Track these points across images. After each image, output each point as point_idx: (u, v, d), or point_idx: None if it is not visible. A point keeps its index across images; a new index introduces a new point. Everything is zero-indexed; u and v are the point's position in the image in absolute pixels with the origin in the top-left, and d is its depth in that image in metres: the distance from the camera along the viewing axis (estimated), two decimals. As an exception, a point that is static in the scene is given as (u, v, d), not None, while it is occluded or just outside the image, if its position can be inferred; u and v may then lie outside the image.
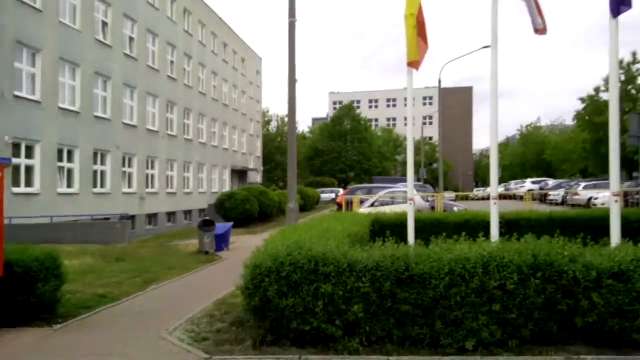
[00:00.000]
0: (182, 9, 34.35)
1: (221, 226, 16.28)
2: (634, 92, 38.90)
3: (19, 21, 19.32)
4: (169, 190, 31.93)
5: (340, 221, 9.73)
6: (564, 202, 31.82)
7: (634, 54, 39.53)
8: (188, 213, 34.31)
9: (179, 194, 33.09)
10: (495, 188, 9.14)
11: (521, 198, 29.57)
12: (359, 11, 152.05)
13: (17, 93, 19.25)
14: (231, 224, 17.56)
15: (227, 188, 40.98)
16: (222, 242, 15.96)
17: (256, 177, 51.99)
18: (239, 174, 46.53)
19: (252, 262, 5.87)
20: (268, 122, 68.32)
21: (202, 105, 37.47)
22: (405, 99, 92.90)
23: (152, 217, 29.56)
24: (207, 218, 16.22)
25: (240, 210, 27.72)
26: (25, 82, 19.94)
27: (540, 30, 8.87)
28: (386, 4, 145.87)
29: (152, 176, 30.00)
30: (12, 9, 18.98)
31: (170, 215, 31.97)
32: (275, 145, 63.63)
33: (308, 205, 37.47)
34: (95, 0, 24.41)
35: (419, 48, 9.79)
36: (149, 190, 29.35)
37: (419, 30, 9.81)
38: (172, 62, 32.78)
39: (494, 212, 8.84)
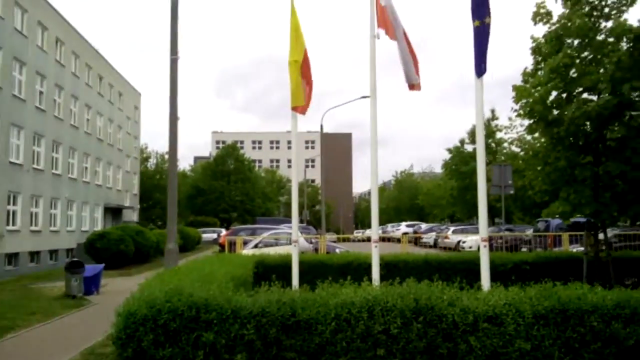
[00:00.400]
0: (54, 38, 32.42)
1: (91, 267, 15.12)
2: (493, 145, 42.77)
3: None
4: (33, 228, 29.23)
5: (223, 263, 9.41)
6: (435, 245, 33.70)
7: (493, 111, 43.77)
8: (54, 253, 31.58)
9: (44, 232, 30.41)
10: (375, 231, 9.38)
11: (398, 240, 30.83)
12: (243, 53, 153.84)
13: None
14: (102, 265, 16.40)
15: (99, 226, 38.44)
16: (91, 285, 14.80)
17: (132, 216, 49.45)
18: (113, 212, 43.97)
19: (125, 308, 5.41)
20: (146, 159, 65.81)
21: (73, 139, 35.16)
22: (289, 142, 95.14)
23: (12, 257, 26.78)
24: (75, 259, 15.00)
25: (113, 250, 26.08)
26: None
27: (415, 86, 9.43)
28: (270, 49, 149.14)
29: (14, 212, 27.36)
30: None
31: (34, 255, 29.19)
32: (154, 183, 61.27)
33: (188, 245, 36.23)
34: None
35: (304, 93, 10.01)
36: (10, 227, 26.67)
37: (304, 75, 10.04)
38: (40, 93, 30.59)
39: (375, 255, 9.03)
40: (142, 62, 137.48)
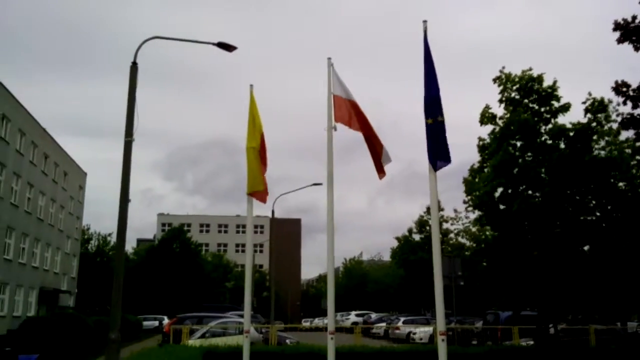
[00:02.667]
0: (0, 115, 31.80)
1: (24, 358, 13.98)
2: (440, 235, 43.72)
3: None
4: (-42, 314, 27.16)
5: (170, 356, 8.90)
6: (386, 335, 33.15)
7: (439, 202, 45.12)
8: (-19, 341, 29.17)
9: (-31, 319, 28.26)
10: (332, 321, 9.18)
11: (347, 330, 30.21)
12: (192, 136, 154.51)
13: None
14: (36, 355, 15.20)
15: (32, 311, 36.05)
16: (21, 378, 13.60)
17: (68, 300, 46.74)
18: (49, 296, 41.44)
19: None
20: (88, 240, 63.34)
21: (11, 218, 33.66)
22: (237, 225, 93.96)
23: None
24: (8, 348, 13.87)
25: (48, 338, 24.27)
26: None
27: (383, 172, 9.68)
28: (219, 133, 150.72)
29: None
30: None
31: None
32: (93, 266, 58.61)
33: (129, 333, 34.22)
34: None
35: (263, 179, 10.10)
36: None
37: (262, 161, 10.18)
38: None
39: (331, 347, 8.79)
40: (88, 141, 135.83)
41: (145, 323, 44.13)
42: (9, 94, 32.99)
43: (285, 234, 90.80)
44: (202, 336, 18.60)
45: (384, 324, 35.98)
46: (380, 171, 9.61)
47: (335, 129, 9.79)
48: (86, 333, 28.05)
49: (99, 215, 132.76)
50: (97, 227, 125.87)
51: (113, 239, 63.61)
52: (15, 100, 34.04)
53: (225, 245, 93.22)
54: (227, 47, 14.29)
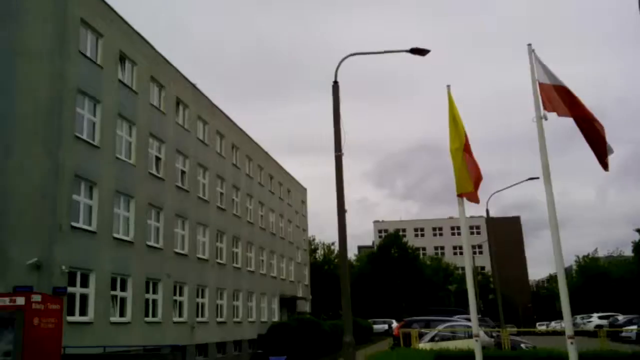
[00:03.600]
0: (230, 144, 35.96)
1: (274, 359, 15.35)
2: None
3: (78, 156, 20.28)
4: (219, 319, 31.37)
5: (403, 359, 8.93)
6: (639, 340, 29.17)
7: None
8: (238, 344, 33.28)
9: (228, 323, 32.45)
10: (569, 324, 8.31)
11: (590, 334, 27.34)
12: (397, 143, 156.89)
13: (73, 224, 19.77)
14: (284, 357, 16.61)
15: (276, 317, 40.11)
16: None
17: (305, 306, 50.73)
18: (288, 303, 45.56)
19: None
20: (314, 250, 68.09)
21: (249, 234, 37.84)
22: (452, 228, 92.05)
23: (202, 348, 28.71)
24: (259, 351, 15.38)
25: (292, 341, 26.56)
26: (82, 214, 20.55)
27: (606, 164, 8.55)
28: (424, 136, 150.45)
29: (202, 305, 29.65)
30: (71, 146, 20.05)
31: (220, 346, 31.03)
32: (322, 273, 62.72)
33: (361, 336, 35.71)
34: (149, 138, 25.76)
35: (471, 180, 9.68)
36: (199, 319, 28.88)
37: (468, 161, 9.77)
38: (221, 194, 33.70)
39: (573, 353, 7.94)
40: (304, 159, 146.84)
41: (375, 326, 45.60)
42: (233, 124, 37.13)
43: (505, 233, 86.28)
44: (432, 339, 18.46)
45: (635, 327, 31.76)
46: (604, 161, 8.46)
47: (546, 119, 8.95)
48: (322, 336, 29.89)
49: (321, 226, 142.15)
50: (321, 237, 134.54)
51: (336, 248, 67.44)
52: (240, 129, 38.25)
53: (442, 248, 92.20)
54: (421, 52, 14.21)
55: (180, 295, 27.45)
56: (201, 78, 46.27)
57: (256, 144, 41.57)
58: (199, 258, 29.62)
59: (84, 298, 20.01)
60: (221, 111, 34.93)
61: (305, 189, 55.92)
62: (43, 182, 18.88)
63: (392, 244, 68.18)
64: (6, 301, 6.30)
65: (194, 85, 31.02)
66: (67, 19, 20.19)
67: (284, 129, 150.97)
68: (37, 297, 6.43)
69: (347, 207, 15.34)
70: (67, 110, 19.81)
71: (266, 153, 43.90)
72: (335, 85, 15.24)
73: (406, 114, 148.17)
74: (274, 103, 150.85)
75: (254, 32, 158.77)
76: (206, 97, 32.69)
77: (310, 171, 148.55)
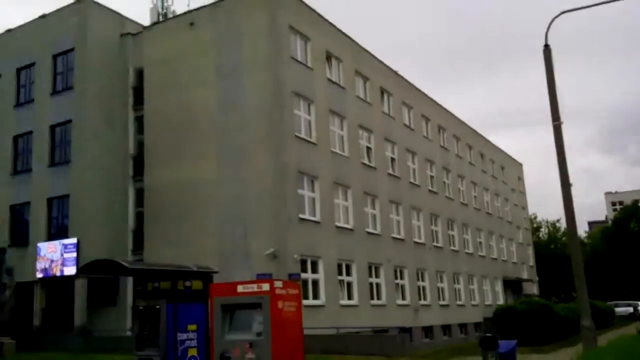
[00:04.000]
0: (437, 126, 35.49)
1: (504, 344, 14.80)
2: None
3: (299, 154, 22.07)
4: (441, 302, 31.51)
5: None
6: None
7: None
8: (463, 326, 33.05)
9: (451, 306, 32.40)
10: None
11: None
12: (621, 103, 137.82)
13: (301, 216, 21.56)
14: (515, 341, 15.92)
15: (500, 300, 38.78)
16: (508, 362, 14.37)
17: (532, 289, 48.08)
18: (512, 285, 43.62)
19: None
20: (537, 229, 63.88)
21: (464, 216, 37.04)
22: None
23: (427, 330, 29.18)
24: (489, 334, 14.98)
25: (521, 325, 25.30)
26: (307, 206, 22.29)
27: None
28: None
29: (423, 288, 30.03)
30: (293, 145, 21.87)
31: (445, 328, 31.16)
32: (548, 253, 58.55)
33: (600, 321, 32.58)
34: (359, 130, 26.72)
35: None
36: (422, 302, 29.34)
37: None
38: (431, 177, 33.55)
39: None
40: (516, 133, 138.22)
41: (618, 309, 41.06)
42: (438, 105, 36.57)
43: None
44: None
45: None
46: None
47: None
48: (555, 320, 27.91)
49: (542, 203, 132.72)
50: (544, 215, 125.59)
51: (562, 225, 62.34)
52: (445, 110, 37.55)
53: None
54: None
55: (401, 278, 28.13)
56: (402, 63, 46.65)
57: (463, 122, 40.45)
58: (415, 242, 29.98)
59: (315, 283, 21.72)
60: (425, 94, 34.75)
61: (520, 165, 52.79)
62: (273, 181, 20.95)
63: (630, 217, 60.59)
64: (254, 287, 7.13)
65: (396, 73, 31.38)
66: (278, 29, 22.08)
67: (492, 104, 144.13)
68: (279, 284, 7.17)
69: (571, 179, 14.12)
70: (287, 113, 21.70)
71: (474, 131, 42.46)
72: (547, 49, 14.14)
73: (633, 68, 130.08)
74: (480, 79, 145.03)
75: (451, 10, 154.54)
76: (409, 83, 32.84)
77: (525, 145, 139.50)
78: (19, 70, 27.23)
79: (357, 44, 27.64)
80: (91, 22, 25.23)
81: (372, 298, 25.16)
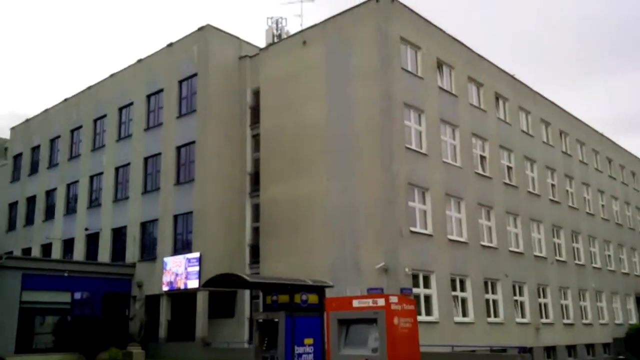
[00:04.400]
0: (558, 131, 33.51)
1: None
2: None
3: (410, 166, 21.82)
4: (565, 321, 29.40)
5: None
6: None
7: None
8: (590, 347, 30.66)
9: (577, 325, 30.11)
10: None
11: None
12: None
13: (412, 228, 21.27)
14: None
15: (633, 319, 35.55)
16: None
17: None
18: (645, 303, 39.82)
19: None
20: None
21: (590, 227, 34.46)
22: None
23: (549, 350, 27.42)
24: (621, 357, 13.86)
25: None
26: (418, 218, 21.94)
27: None
28: None
29: (545, 305, 28.30)
30: (403, 156, 21.67)
31: (570, 349, 29.10)
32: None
33: None
34: (472, 138, 25.93)
35: None
36: (543, 320, 27.62)
37: None
38: (552, 185, 31.65)
39: None
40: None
41: None
42: (559, 109, 34.49)
43: None
44: None
45: None
46: None
47: None
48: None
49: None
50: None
51: None
52: (566, 113, 35.30)
53: None
54: None
55: (520, 295, 26.71)
56: (518, 66, 44.61)
57: (588, 126, 37.81)
58: (535, 256, 28.37)
59: (427, 299, 21.28)
60: (544, 97, 32.99)
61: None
62: (383, 193, 20.90)
63: None
64: (370, 302, 7.14)
65: (512, 77, 30.18)
66: (388, 40, 22.17)
67: (623, 104, 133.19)
68: (394, 299, 7.12)
69: None
70: (396, 124, 21.64)
71: (601, 135, 39.51)
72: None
73: None
74: (608, 75, 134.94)
75: (571, 8, 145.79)
76: (526, 86, 31.39)
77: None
78: (148, 97, 29.66)
79: (469, 49, 26.97)
80: (212, 47, 26.85)
81: (488, 315, 24.13)
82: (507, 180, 27.79)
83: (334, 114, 23.02)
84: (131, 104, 30.48)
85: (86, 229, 31.17)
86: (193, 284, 24.38)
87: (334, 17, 24.07)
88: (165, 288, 25.81)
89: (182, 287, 24.96)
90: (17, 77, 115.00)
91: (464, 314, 22.95)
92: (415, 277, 20.94)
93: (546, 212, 30.13)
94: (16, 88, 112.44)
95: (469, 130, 25.73)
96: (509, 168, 28.36)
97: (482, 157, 26.62)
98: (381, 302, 7.09)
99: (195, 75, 27.09)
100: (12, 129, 40.76)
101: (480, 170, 26.10)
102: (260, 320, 8.14)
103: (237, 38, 28.06)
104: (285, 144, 24.55)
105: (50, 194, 35.35)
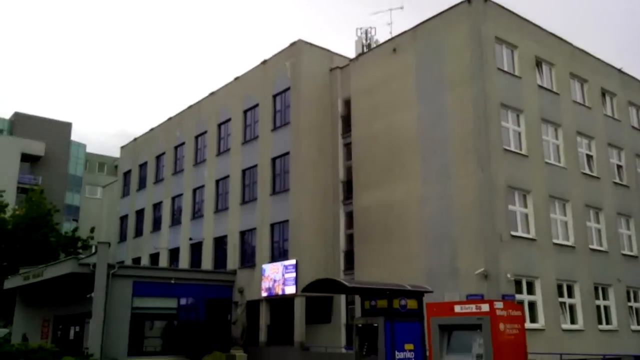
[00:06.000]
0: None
1: None
2: None
3: (509, 168, 21.01)
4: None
5: None
6: None
7: None
8: None
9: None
10: None
11: None
12: None
13: (513, 233, 20.43)
14: None
15: None
16: None
17: None
18: None
19: None
20: None
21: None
22: None
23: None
24: None
25: None
26: (520, 222, 21.05)
27: None
28: None
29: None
30: (501, 159, 20.90)
31: None
32: None
33: None
34: (577, 137, 24.57)
35: None
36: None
37: None
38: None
39: None
40: None
41: None
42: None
43: None
44: None
45: None
46: None
47: None
48: None
49: None
50: None
51: None
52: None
53: None
54: None
55: (636, 301, 24.87)
56: (624, 59, 41.70)
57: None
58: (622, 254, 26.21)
59: (532, 305, 20.33)
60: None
61: None
62: (480, 196, 20.30)
63: None
64: (473, 308, 6.94)
65: (619, 70, 28.27)
66: (482, 41, 21.57)
67: None
68: (499, 304, 6.87)
69: None
70: (493, 126, 20.97)
71: None
72: None
73: None
74: None
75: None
76: (635, 79, 29.25)
77: None
78: (245, 112, 30.83)
79: (570, 44, 25.61)
80: (304, 61, 27.46)
81: (600, 322, 22.67)
82: (617, 180, 26.04)
83: (426, 118, 22.73)
84: (229, 119, 31.82)
85: (190, 239, 32.80)
86: (290, 289, 24.91)
87: (424, 22, 23.82)
88: (264, 294, 26.55)
89: (280, 292, 25.57)
90: (128, 98, 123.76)
91: (572, 321, 21.70)
92: (518, 283, 20.08)
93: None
94: (126, 108, 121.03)
95: (574, 128, 24.44)
96: (619, 167, 26.58)
97: (589, 157, 25.16)
98: (485, 307, 6.87)
99: (288, 89, 27.80)
100: (122, 147, 43.89)
101: (587, 170, 24.65)
102: (360, 325, 8.14)
103: (328, 50, 28.51)
104: (378, 151, 24.53)
105: (157, 206, 37.61)
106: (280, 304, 26.73)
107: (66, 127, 59.73)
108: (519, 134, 22.12)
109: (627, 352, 21.20)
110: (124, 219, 41.70)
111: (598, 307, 22.89)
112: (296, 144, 26.78)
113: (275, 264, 26.38)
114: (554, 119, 23.60)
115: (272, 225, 27.51)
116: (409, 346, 7.97)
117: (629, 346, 22.47)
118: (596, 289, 22.99)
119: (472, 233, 20.33)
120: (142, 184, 39.91)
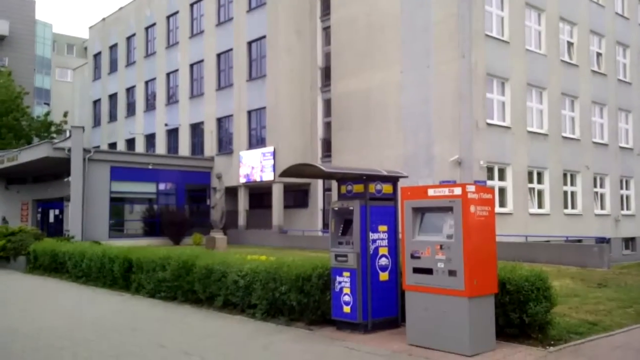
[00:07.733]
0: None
1: None
2: None
3: (489, 55, 20.69)
4: (646, 213, 28.44)
5: None
6: None
7: None
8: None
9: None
10: None
11: None
12: None
13: (488, 121, 20.60)
14: None
15: None
16: None
17: None
18: None
19: None
20: None
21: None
22: None
23: (628, 242, 26.87)
24: None
25: None
26: (496, 110, 21.16)
27: None
28: None
29: (627, 197, 27.37)
30: (482, 45, 20.51)
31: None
32: None
33: None
34: (559, 23, 24.06)
35: None
36: (624, 212, 26.85)
37: None
38: (644, 74, 29.29)
39: None
40: None
41: None
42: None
43: None
44: None
45: None
46: None
47: None
48: None
49: None
50: None
51: None
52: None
53: None
54: None
55: (602, 187, 25.90)
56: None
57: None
58: (621, 147, 27.03)
59: (502, 191, 21.01)
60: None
61: None
62: (459, 84, 20.18)
63: None
64: (446, 191, 7.09)
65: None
66: None
67: None
68: (471, 188, 7.03)
69: None
70: (476, 9, 20.34)
71: None
72: None
73: None
74: None
75: None
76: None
77: None
78: (218, -9, 29.27)
79: None
80: None
81: (565, 207, 23.70)
82: (595, 68, 25.99)
83: (410, 1, 21.86)
84: (201, -2, 30.25)
85: (166, 125, 32.47)
86: (268, 176, 25.25)
87: None
88: (242, 180, 26.90)
89: (258, 179, 25.92)
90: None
91: (540, 206, 22.63)
92: (490, 170, 20.61)
93: (637, 101, 28.18)
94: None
95: (557, 14, 23.87)
96: (599, 54, 26.39)
97: (570, 44, 24.88)
98: (458, 191, 7.00)
99: (264, -34, 26.26)
100: (90, 28, 41.84)
101: (566, 58, 24.49)
102: (336, 209, 8.30)
103: None
104: (357, 37, 23.81)
105: (130, 91, 36.72)
106: (258, 190, 27.18)
107: (30, 4, 56.34)
108: (502, 19, 21.56)
109: (589, 234, 22.37)
110: (97, 103, 40.82)
111: (565, 192, 23.81)
112: (273, 27, 25.79)
113: (253, 150, 26.47)
114: (538, 3, 22.94)
115: (249, 112, 27.25)
116: (382, 227, 8.21)
117: (591, 229, 23.70)
118: (565, 175, 23.78)
119: (450, 121, 20.45)
120: (113, 67, 38.62)
